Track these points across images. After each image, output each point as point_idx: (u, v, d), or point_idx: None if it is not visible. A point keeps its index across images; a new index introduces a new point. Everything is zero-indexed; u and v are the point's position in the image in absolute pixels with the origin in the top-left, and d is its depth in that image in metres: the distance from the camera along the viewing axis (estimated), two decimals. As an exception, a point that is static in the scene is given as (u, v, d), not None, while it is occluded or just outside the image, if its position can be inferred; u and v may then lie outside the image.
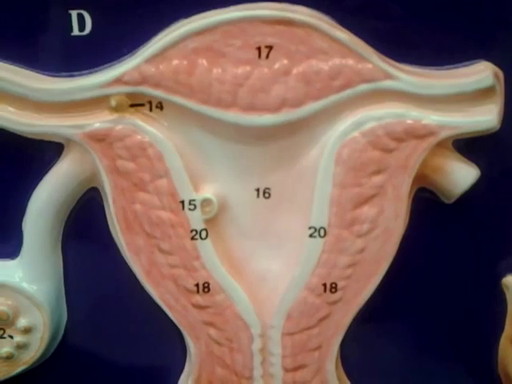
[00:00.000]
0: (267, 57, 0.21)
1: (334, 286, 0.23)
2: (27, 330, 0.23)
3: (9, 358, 0.23)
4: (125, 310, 0.24)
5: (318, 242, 0.22)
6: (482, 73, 0.21)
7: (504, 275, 0.24)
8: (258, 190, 0.23)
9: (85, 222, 0.23)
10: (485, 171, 0.23)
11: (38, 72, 0.21)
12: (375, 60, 0.21)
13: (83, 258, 0.24)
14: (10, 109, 0.21)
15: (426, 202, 0.23)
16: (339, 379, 0.24)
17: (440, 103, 0.21)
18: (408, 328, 0.25)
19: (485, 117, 0.21)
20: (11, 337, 0.23)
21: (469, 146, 0.22)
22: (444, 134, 0.21)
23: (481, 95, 0.21)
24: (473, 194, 0.23)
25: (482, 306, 0.25)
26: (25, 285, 0.23)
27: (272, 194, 0.23)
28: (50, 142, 0.22)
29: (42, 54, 0.21)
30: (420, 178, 0.22)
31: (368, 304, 0.23)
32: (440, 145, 0.22)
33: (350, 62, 0.21)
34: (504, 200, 0.24)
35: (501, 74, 0.22)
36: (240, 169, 0.22)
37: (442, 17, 0.22)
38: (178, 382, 0.25)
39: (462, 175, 0.22)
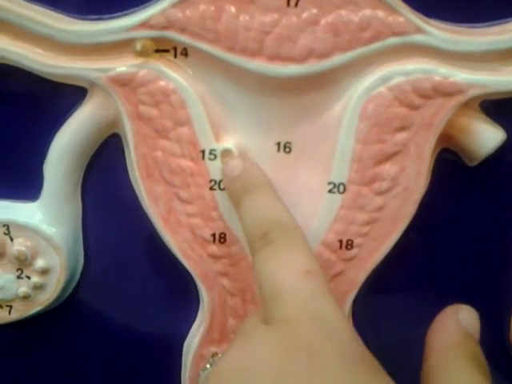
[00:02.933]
0: (296, 5, 0.20)
1: (350, 242, 0.23)
2: (44, 272, 0.23)
3: (26, 297, 0.23)
4: (141, 258, 0.24)
5: (337, 197, 0.22)
6: (515, 31, 0.21)
7: (524, 243, 0.24)
8: (278, 144, 0.22)
9: (105, 168, 0.23)
10: (511, 134, 0.22)
11: (65, 14, 0.21)
12: (406, 13, 0.20)
13: (102, 203, 0.24)
14: (38, 50, 0.21)
15: (449, 164, 0.23)
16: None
17: (470, 61, 0.21)
18: (423, 289, 0.25)
19: (515, 77, 0.21)
20: (28, 277, 0.23)
21: (496, 108, 0.22)
22: (472, 92, 0.21)
23: (512, 55, 0.21)
24: (497, 157, 0.22)
25: (502, 270, 0.24)
26: (44, 227, 0.23)
27: (293, 148, 0.23)
28: (73, 86, 0.22)
29: (70, -6, 0.21)
30: (444, 137, 0.22)
31: (384, 263, 0.23)
32: (467, 105, 0.21)
33: (381, 13, 0.20)
34: (528, 165, 0.23)
35: (536, 34, 0.21)
36: (262, 121, 0.22)
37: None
38: (189, 331, 0.25)
39: (487, 137, 0.22)
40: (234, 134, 0.22)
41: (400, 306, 0.25)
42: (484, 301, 0.25)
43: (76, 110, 0.22)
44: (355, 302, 0.24)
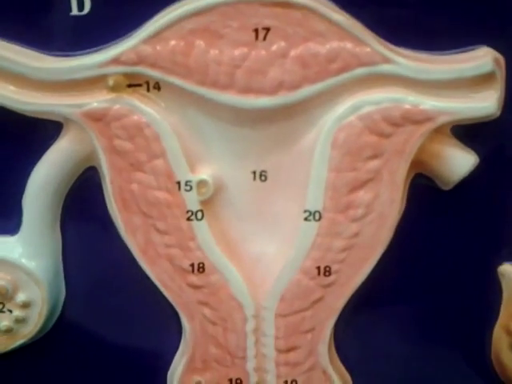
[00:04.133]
0: (264, 39, 0.20)
1: (327, 269, 0.23)
2: (26, 305, 0.23)
3: (8, 331, 0.24)
4: (122, 288, 0.25)
5: (313, 225, 0.22)
6: (481, 58, 0.21)
7: (500, 263, 0.24)
8: (254, 172, 0.23)
9: (83, 200, 0.24)
10: (483, 158, 0.22)
11: (37, 51, 0.22)
12: (373, 43, 0.21)
13: (81, 235, 0.24)
14: (11, 87, 0.21)
15: (424, 188, 0.23)
16: (332, 362, 0.25)
17: (438, 88, 0.21)
18: (402, 314, 0.25)
19: (484, 103, 0.21)
20: (10, 311, 0.24)
21: (468, 132, 0.22)
22: (442, 119, 0.21)
23: (480, 81, 0.21)
24: (470, 181, 0.23)
25: (477, 294, 0.25)
26: (24, 261, 0.23)
27: (268, 176, 0.23)
28: (49, 121, 0.22)
29: (42, 33, 0.22)
30: (417, 163, 0.22)
31: (362, 288, 0.23)
32: (438, 131, 0.22)
33: (348, 45, 0.21)
34: (502, 188, 0.23)
35: (502, 59, 0.21)
36: (236, 151, 0.22)
37: (443, 1, 0.21)
38: (172, 361, 0.25)
39: (459, 162, 0.22)
40: (210, 165, 0.23)
41: (380, 329, 0.25)
42: (462, 322, 0.25)
43: (52, 144, 0.23)
44: (336, 327, 0.24)
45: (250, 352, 0.24)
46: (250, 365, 0.24)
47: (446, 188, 0.23)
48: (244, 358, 0.24)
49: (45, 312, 0.24)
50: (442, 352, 0.26)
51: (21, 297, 0.23)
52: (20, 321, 0.24)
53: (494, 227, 0.24)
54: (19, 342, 0.24)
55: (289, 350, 0.24)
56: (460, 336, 0.25)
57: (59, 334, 0.25)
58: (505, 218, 0.24)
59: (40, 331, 0.24)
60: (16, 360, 0.25)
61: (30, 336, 0.24)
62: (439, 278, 0.25)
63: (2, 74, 0.21)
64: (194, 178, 0.22)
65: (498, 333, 0.25)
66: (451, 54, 0.22)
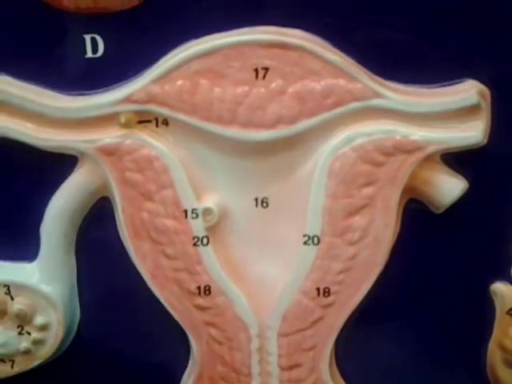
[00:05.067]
0: (264, 77, 0.22)
1: (327, 290, 0.24)
2: (43, 327, 0.25)
3: (26, 352, 0.25)
4: (133, 311, 0.26)
5: (312, 249, 0.24)
6: (467, 91, 0.22)
7: (492, 282, 0.25)
8: (256, 199, 0.24)
9: (96, 228, 0.25)
10: (472, 183, 0.24)
11: (54, 91, 0.23)
12: (365, 80, 0.22)
13: (95, 261, 0.26)
14: (28, 125, 0.23)
15: (417, 212, 0.24)
16: (333, 378, 0.26)
17: (427, 120, 0.23)
18: (399, 331, 0.26)
19: (470, 133, 0.23)
20: (29, 333, 0.25)
21: (457, 159, 0.24)
22: (431, 149, 0.23)
23: (467, 112, 0.22)
24: (461, 205, 0.24)
25: (471, 312, 0.26)
26: (42, 286, 0.25)
27: (270, 203, 0.24)
28: (65, 155, 0.24)
29: (59, 74, 0.23)
30: (409, 189, 0.24)
31: (361, 307, 0.25)
32: (428, 158, 0.23)
33: (341, 82, 0.22)
34: (491, 210, 0.25)
35: (487, 91, 0.23)
36: (239, 180, 0.24)
37: (430, 38, 0.23)
38: (181, 379, 0.26)
39: (449, 187, 0.24)
40: (214, 194, 0.24)
41: (378, 346, 0.26)
42: (458, 338, 0.26)
43: (68, 176, 0.24)
44: (336, 344, 0.25)
45: (255, 370, 0.25)
46: (255, 382, 0.25)
47: (438, 211, 0.24)
48: (249, 375, 0.25)
49: (61, 333, 0.25)
50: (440, 367, 0.27)
51: (39, 320, 0.25)
52: (38, 342, 0.25)
53: (484, 248, 0.25)
54: (37, 362, 0.25)
55: (291, 367, 0.25)
56: (456, 351, 0.26)
57: (75, 354, 0.26)
58: (495, 238, 0.25)
59: (56, 352, 0.25)
60: (34, 379, 0.26)
61: (47, 356, 0.25)
62: (434, 297, 0.26)
63: (21, 113, 0.23)
64: (200, 206, 0.24)
65: (493, 348, 0.26)
66: (438, 86, 0.23)
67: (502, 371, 0.26)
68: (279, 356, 0.25)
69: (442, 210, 0.24)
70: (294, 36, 0.22)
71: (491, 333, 0.26)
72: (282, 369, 0.25)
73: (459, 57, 0.23)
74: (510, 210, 0.25)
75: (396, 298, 0.26)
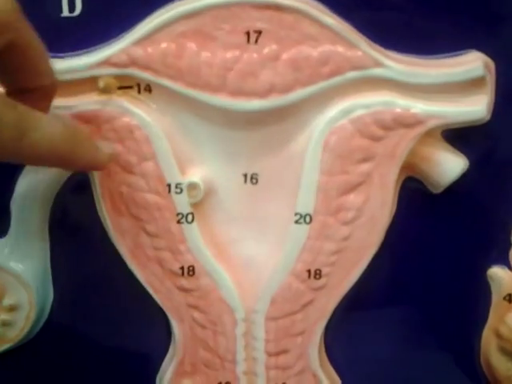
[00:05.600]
0: (256, 42, 0.20)
1: (318, 272, 0.23)
2: (13, 309, 0.23)
3: (-6, 335, 0.23)
4: (110, 292, 0.24)
5: (304, 228, 0.22)
6: (472, 63, 0.21)
7: (489, 266, 0.24)
8: (245, 175, 0.23)
9: (72, 204, 0.23)
10: (473, 162, 0.23)
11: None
12: (365, 47, 0.21)
13: (70, 239, 0.24)
14: (-1, 88, 0.21)
15: (414, 192, 0.23)
16: (322, 365, 0.25)
17: (429, 92, 0.21)
18: (392, 316, 0.25)
19: (474, 107, 0.21)
20: (-3, 314, 0.23)
21: (458, 136, 0.22)
22: (432, 123, 0.21)
23: (471, 85, 0.21)
24: (460, 185, 0.23)
25: (467, 297, 0.25)
26: (12, 263, 0.23)
27: (259, 179, 0.23)
28: (38, 122, 0.22)
29: (32, 33, 0.21)
30: (408, 167, 0.22)
31: (352, 291, 0.23)
32: (429, 134, 0.22)
33: (340, 48, 0.21)
34: (491, 191, 0.24)
35: (492, 64, 0.22)
36: (227, 154, 0.22)
37: (433, 5, 0.21)
38: (161, 364, 0.25)
39: (449, 166, 0.22)
40: (200, 167, 0.23)
41: (370, 332, 0.25)
42: (452, 324, 0.25)
43: (42, 146, 0.23)
44: (326, 330, 0.24)
45: (240, 355, 0.24)
46: (240, 368, 0.24)
47: (437, 191, 0.23)
48: (234, 361, 0.24)
49: (32, 316, 0.23)
50: (432, 353, 0.26)
51: (8, 300, 0.23)
52: (7, 324, 0.23)
53: (483, 230, 0.24)
54: (6, 346, 0.24)
55: (279, 353, 0.24)
56: (450, 337, 0.25)
57: (46, 337, 0.25)
58: (494, 221, 0.24)
59: (27, 335, 0.24)
60: (3, 363, 0.24)
61: (16, 340, 0.24)
62: (429, 281, 0.25)
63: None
64: (185, 180, 0.22)
65: (488, 335, 0.25)
66: (441, 57, 0.22)
67: (496, 359, 0.25)
68: (266, 341, 0.24)
69: (440, 190, 0.23)
70: (290, -3, 0.20)
71: (487, 319, 0.25)
72: (269, 355, 0.24)
73: (463, 27, 0.22)
74: (510, 191, 0.24)
75: (389, 282, 0.25)
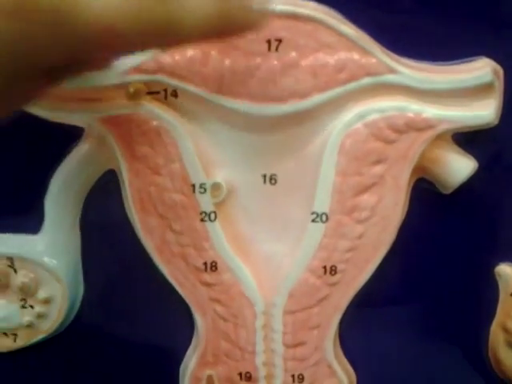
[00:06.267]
0: (277, 49, 0.22)
1: (333, 268, 0.24)
2: (47, 301, 0.25)
3: (29, 326, 0.25)
4: (137, 286, 0.26)
5: (320, 226, 0.23)
6: (481, 69, 0.22)
7: (497, 264, 0.25)
8: (264, 176, 0.24)
9: (102, 202, 0.25)
10: (482, 164, 0.24)
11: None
12: (379, 55, 0.22)
13: (100, 235, 0.25)
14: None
15: (425, 192, 0.24)
16: (336, 357, 0.26)
17: (440, 97, 0.22)
18: (403, 312, 0.26)
19: (483, 112, 0.22)
20: (32, 307, 0.25)
21: (468, 139, 0.23)
22: (443, 127, 0.22)
23: (480, 90, 0.22)
24: (470, 186, 0.24)
25: (475, 293, 0.26)
26: (46, 259, 0.24)
27: (278, 180, 0.24)
28: (71, 126, 0.23)
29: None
30: (419, 168, 0.23)
31: (366, 287, 0.24)
32: (440, 137, 0.23)
33: (355, 56, 0.22)
34: (499, 192, 0.25)
35: (500, 70, 0.23)
36: (248, 156, 0.24)
37: (444, 13, 0.23)
38: (185, 355, 0.26)
39: (459, 167, 0.23)
40: (223, 169, 0.24)
41: (382, 326, 0.26)
42: (461, 319, 0.26)
43: (75, 147, 0.24)
44: (341, 324, 0.25)
45: (259, 347, 0.25)
46: (259, 359, 0.25)
47: (447, 192, 0.24)
48: (253, 352, 0.25)
49: (64, 308, 0.25)
50: (442, 348, 0.27)
51: (42, 293, 0.25)
52: (41, 316, 0.25)
53: (491, 229, 0.25)
54: (40, 336, 0.25)
55: (296, 345, 0.25)
56: (459, 333, 0.26)
57: (78, 329, 0.26)
58: (502, 220, 0.25)
59: (60, 326, 0.25)
60: (37, 354, 0.26)
61: (50, 331, 0.25)
62: (439, 278, 0.26)
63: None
64: (208, 181, 0.23)
65: (495, 330, 0.26)
66: (452, 64, 0.23)
67: (504, 353, 0.26)
68: (284, 333, 0.25)
69: (450, 191, 0.24)
70: (307, 7, 0.21)
71: (494, 315, 0.26)
72: (287, 346, 0.25)
73: (473, 34, 0.23)
74: (517, 192, 0.25)
75: (401, 279, 0.26)
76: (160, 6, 0.15)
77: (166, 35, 0.16)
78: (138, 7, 0.15)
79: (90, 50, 0.16)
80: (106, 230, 0.25)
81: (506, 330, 0.25)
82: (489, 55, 0.23)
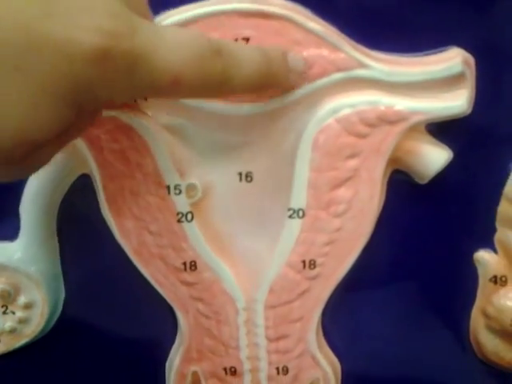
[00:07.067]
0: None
1: (312, 262, 0.24)
2: (28, 306, 0.25)
3: (12, 331, 0.25)
4: (118, 287, 0.26)
5: (297, 222, 0.23)
6: (452, 60, 0.22)
7: (476, 250, 0.25)
8: (240, 174, 0.24)
9: (78, 206, 0.25)
10: (457, 153, 0.24)
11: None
12: (348, 49, 0.22)
13: (78, 238, 0.25)
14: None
15: (402, 183, 0.24)
16: (320, 348, 0.26)
17: (411, 89, 0.22)
18: (385, 300, 0.26)
19: (455, 102, 0.22)
20: (13, 312, 0.25)
21: (441, 129, 0.23)
22: (415, 119, 0.22)
23: (452, 81, 0.22)
24: (445, 175, 0.24)
25: (455, 280, 0.26)
26: (24, 265, 0.24)
27: (254, 177, 0.24)
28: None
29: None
30: (394, 160, 0.23)
31: (346, 278, 0.25)
32: (413, 128, 0.23)
33: (324, 52, 0.21)
34: (475, 180, 0.25)
35: (471, 60, 0.22)
36: (223, 155, 0.24)
37: (414, 3, 0.22)
38: (170, 352, 0.27)
39: (434, 157, 0.23)
40: (197, 169, 0.24)
41: (365, 315, 0.27)
42: (442, 305, 0.26)
43: (47, 153, 0.24)
44: (323, 315, 0.26)
45: (243, 342, 0.25)
46: (243, 354, 0.25)
47: (423, 182, 0.24)
48: (237, 347, 0.25)
49: (46, 312, 0.25)
50: (425, 333, 0.27)
51: (22, 299, 0.25)
52: (23, 321, 0.25)
53: (468, 217, 0.25)
54: (23, 341, 0.25)
55: (279, 338, 0.25)
56: (441, 318, 0.27)
57: (61, 331, 0.26)
58: (478, 208, 0.25)
59: (42, 330, 0.25)
60: (22, 358, 0.26)
61: (33, 335, 0.25)
62: (420, 266, 0.26)
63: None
64: (183, 182, 0.23)
65: (476, 315, 0.26)
66: (423, 55, 0.23)
67: (484, 336, 0.26)
68: (266, 328, 0.25)
69: (426, 181, 0.24)
70: (274, 5, 0.21)
71: (475, 300, 0.26)
72: (270, 340, 0.25)
73: (444, 24, 0.23)
74: (493, 179, 0.25)
75: (381, 268, 0.26)
76: (219, 62, 0.17)
77: (219, 89, 0.18)
78: (202, 62, 0.17)
79: (156, 95, 0.19)
80: (83, 233, 0.25)
81: (485, 314, 0.26)
82: (460, 45, 0.22)
